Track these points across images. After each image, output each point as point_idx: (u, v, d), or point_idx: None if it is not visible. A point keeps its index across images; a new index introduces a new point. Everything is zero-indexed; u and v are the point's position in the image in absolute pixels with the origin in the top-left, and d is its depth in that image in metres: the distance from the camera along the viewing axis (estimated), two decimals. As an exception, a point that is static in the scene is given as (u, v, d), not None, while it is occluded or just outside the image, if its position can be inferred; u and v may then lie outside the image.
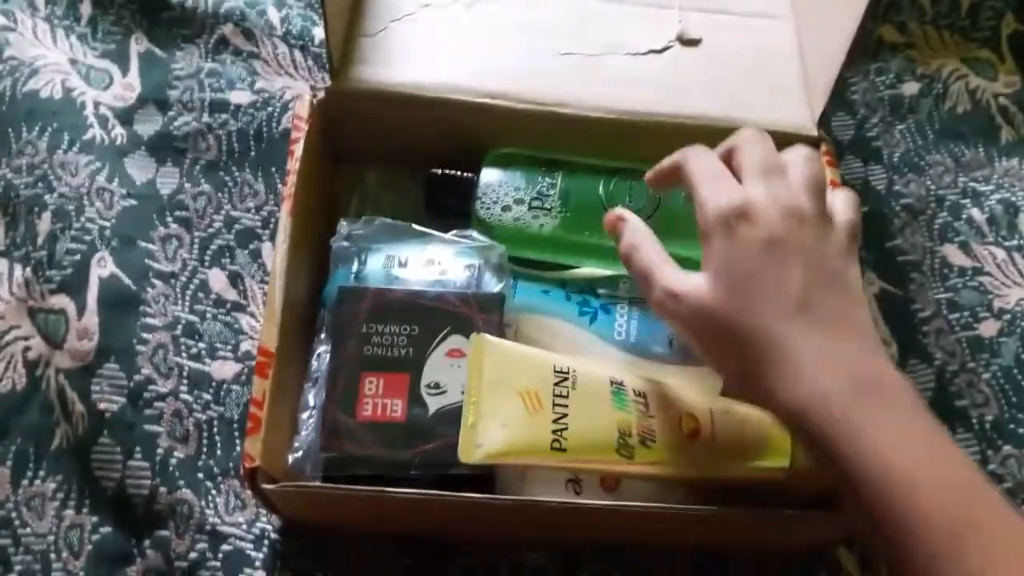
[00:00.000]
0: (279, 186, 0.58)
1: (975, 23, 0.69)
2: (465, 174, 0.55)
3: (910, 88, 0.67)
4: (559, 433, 0.42)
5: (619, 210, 0.45)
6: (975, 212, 0.63)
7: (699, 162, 0.42)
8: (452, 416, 0.45)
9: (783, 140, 0.56)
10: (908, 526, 0.32)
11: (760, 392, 0.37)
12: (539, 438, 0.42)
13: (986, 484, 0.34)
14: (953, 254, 0.61)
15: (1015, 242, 0.62)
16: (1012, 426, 0.56)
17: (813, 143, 0.55)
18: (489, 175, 0.54)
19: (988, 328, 0.59)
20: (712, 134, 0.54)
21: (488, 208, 0.53)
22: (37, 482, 0.50)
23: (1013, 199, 0.63)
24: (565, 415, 0.43)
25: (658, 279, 0.40)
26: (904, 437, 0.34)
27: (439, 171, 0.55)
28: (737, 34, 0.60)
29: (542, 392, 0.43)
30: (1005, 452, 0.55)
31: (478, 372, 0.44)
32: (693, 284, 0.39)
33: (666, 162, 0.44)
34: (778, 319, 0.37)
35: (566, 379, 0.44)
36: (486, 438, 0.42)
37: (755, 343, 0.37)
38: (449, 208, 0.54)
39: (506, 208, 0.53)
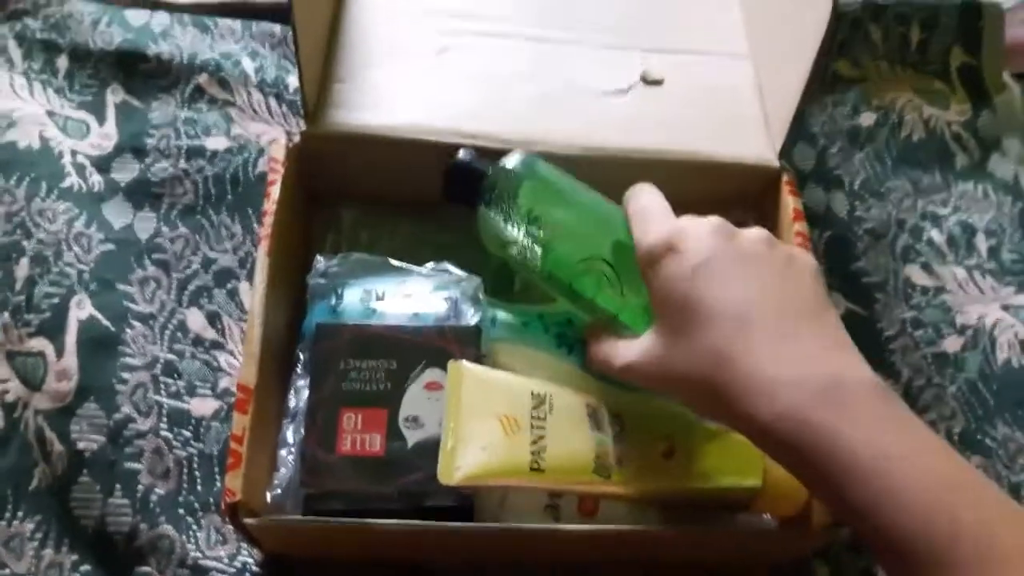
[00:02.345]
0: (256, 227, 0.59)
1: (925, 57, 0.72)
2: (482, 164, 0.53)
3: (867, 119, 0.69)
4: (537, 455, 0.43)
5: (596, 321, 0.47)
6: (935, 234, 0.65)
7: (637, 201, 0.42)
8: (431, 448, 0.46)
9: (747, 172, 0.59)
10: (888, 514, 0.31)
11: (737, 420, 0.36)
12: (518, 459, 0.43)
13: (961, 464, 0.33)
14: (916, 274, 0.63)
15: (974, 261, 0.64)
16: (979, 437, 0.57)
17: (776, 173, 0.57)
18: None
19: (952, 344, 0.60)
20: (677, 168, 0.56)
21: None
22: (15, 522, 0.49)
23: (970, 220, 0.65)
24: (543, 437, 0.44)
25: (615, 362, 0.42)
26: (878, 430, 0.33)
27: (460, 154, 0.53)
28: (698, 74, 0.62)
29: (520, 415, 0.44)
30: (974, 463, 0.56)
31: (456, 398, 0.45)
32: (636, 350, 0.40)
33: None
34: (729, 341, 0.36)
35: (543, 403, 0.45)
36: (465, 460, 0.43)
37: (715, 376, 0.36)
38: (466, 199, 0.52)
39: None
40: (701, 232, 0.38)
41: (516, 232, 0.49)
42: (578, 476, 0.43)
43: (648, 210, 0.41)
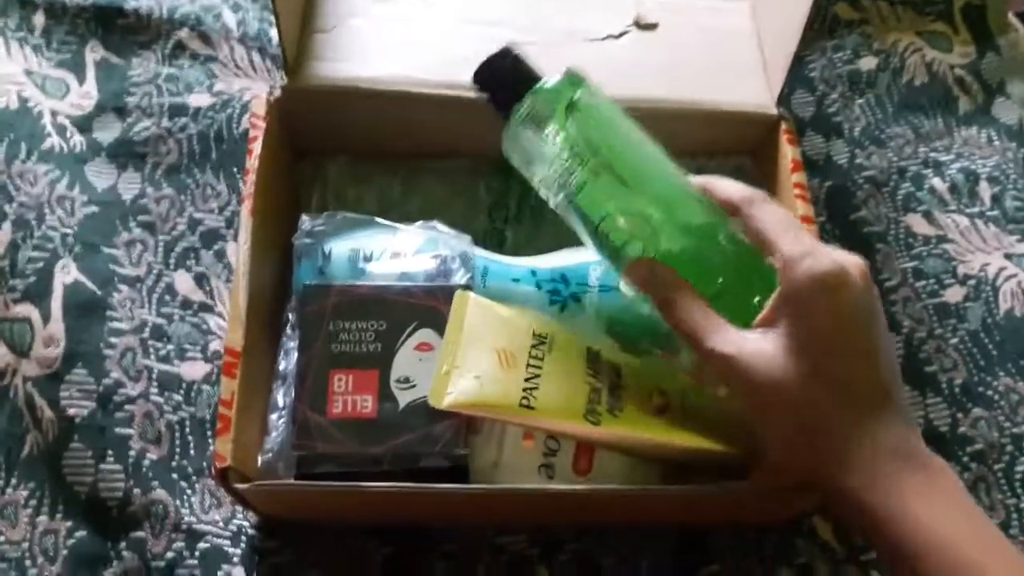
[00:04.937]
0: (241, 186, 0.58)
1: (928, -3, 0.70)
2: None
3: (867, 63, 0.68)
4: (529, 392, 0.43)
5: (645, 260, 0.42)
6: (937, 181, 0.63)
7: (770, 213, 0.40)
8: (422, 410, 0.45)
9: (744, 120, 0.57)
10: None
11: (812, 470, 0.37)
12: (509, 394, 0.43)
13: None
14: (917, 223, 0.62)
15: (977, 209, 0.62)
16: (981, 389, 0.56)
17: (774, 121, 0.56)
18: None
19: (954, 294, 0.59)
20: (673, 117, 0.55)
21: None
22: (9, 490, 0.49)
23: (973, 167, 0.64)
24: (538, 375, 0.44)
25: (706, 336, 0.38)
26: (956, 518, 0.35)
27: (512, 50, 0.47)
28: (693, 17, 0.60)
29: (518, 352, 0.45)
30: (975, 415, 0.55)
31: (459, 326, 0.45)
32: (753, 349, 0.37)
33: (723, 194, 0.42)
34: (854, 406, 0.36)
35: (543, 343, 0.45)
36: (457, 387, 0.43)
37: (828, 428, 0.36)
38: (501, 99, 0.46)
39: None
40: (864, 279, 0.37)
41: (556, 152, 0.44)
42: (568, 419, 0.43)
43: (792, 223, 0.40)
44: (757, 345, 0.37)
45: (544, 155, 0.44)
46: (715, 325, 0.39)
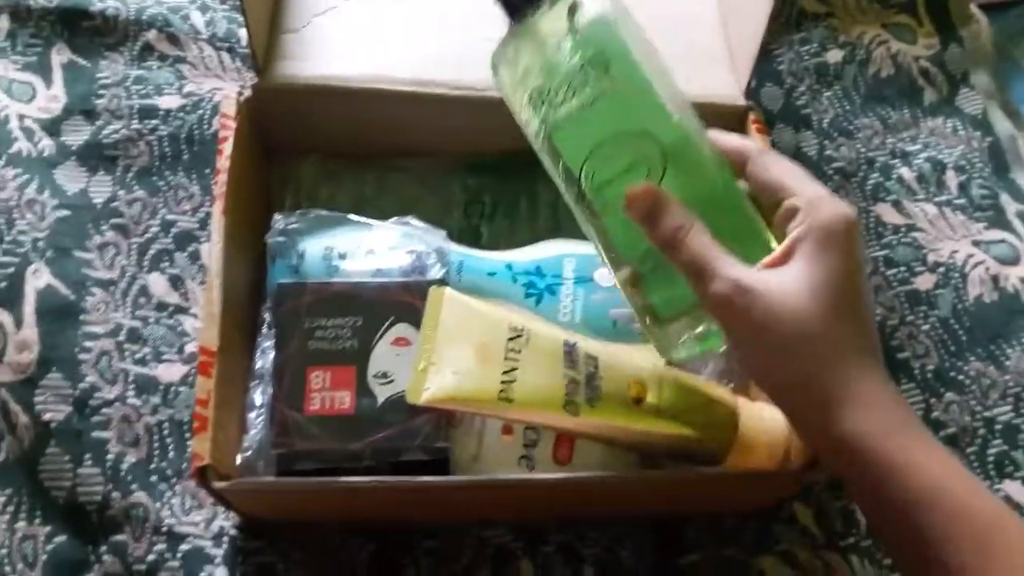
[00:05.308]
0: (213, 187, 0.58)
1: (892, -11, 0.71)
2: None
3: (834, 56, 0.68)
4: (508, 385, 0.43)
5: (647, 185, 0.39)
6: (905, 171, 0.64)
7: (784, 161, 0.40)
8: (401, 404, 0.46)
9: (712, 111, 0.57)
10: (951, 533, 0.34)
11: (816, 416, 0.36)
12: (487, 388, 0.43)
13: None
14: (887, 212, 0.63)
15: (944, 197, 0.63)
16: (953, 374, 0.57)
17: (742, 111, 0.57)
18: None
19: (924, 281, 0.60)
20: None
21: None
22: (-15, 497, 0.49)
23: (940, 156, 0.65)
24: (515, 368, 0.44)
25: (722, 269, 0.36)
26: (957, 469, 0.35)
27: None
28: (659, 8, 0.60)
29: (495, 346, 0.45)
30: (947, 399, 0.56)
31: (434, 322, 0.45)
32: (777, 281, 0.36)
33: (733, 144, 0.41)
34: (863, 352, 0.36)
35: (520, 336, 0.45)
36: (434, 383, 0.43)
37: (835, 368, 0.35)
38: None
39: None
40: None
41: (568, 63, 0.39)
42: (546, 410, 0.43)
43: (806, 174, 0.40)
44: (779, 278, 0.36)
45: (555, 64, 0.39)
46: (731, 260, 0.37)
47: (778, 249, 0.38)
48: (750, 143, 0.42)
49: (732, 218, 0.40)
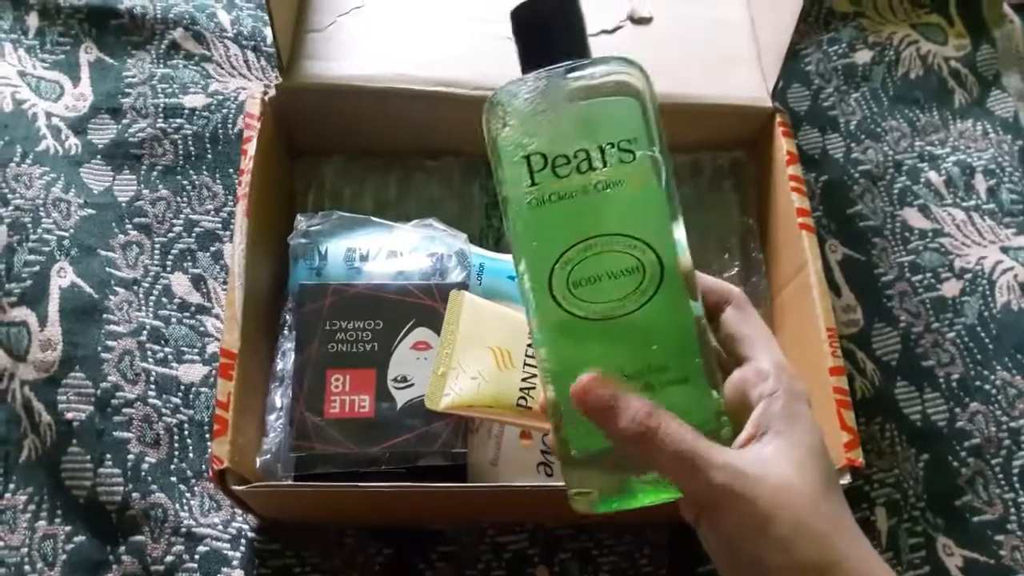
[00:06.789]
0: (236, 187, 0.58)
1: (922, -12, 0.70)
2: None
3: (863, 56, 0.67)
4: (527, 392, 0.43)
5: (593, 375, 0.33)
6: (933, 175, 0.63)
7: (758, 317, 0.37)
8: (420, 409, 0.46)
9: (739, 114, 0.57)
10: None
11: (771, 544, 0.32)
12: (506, 394, 0.44)
13: None
14: (913, 217, 0.62)
15: (973, 202, 0.62)
16: (978, 383, 0.56)
17: (769, 113, 0.56)
18: None
19: (950, 288, 0.59)
20: (669, 114, 0.54)
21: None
22: (8, 495, 0.49)
23: (969, 160, 0.64)
24: (535, 375, 0.44)
25: (715, 456, 0.32)
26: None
27: None
28: (688, 11, 0.60)
29: (515, 351, 0.45)
30: (972, 409, 0.56)
31: (455, 326, 0.46)
32: (766, 459, 0.33)
33: (718, 284, 0.38)
34: (850, 521, 0.34)
35: None
36: (453, 388, 0.44)
37: (839, 516, 0.34)
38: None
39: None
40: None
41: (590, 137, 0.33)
42: None
43: (771, 336, 0.37)
44: (758, 455, 0.33)
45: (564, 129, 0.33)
46: (711, 446, 0.33)
47: (750, 422, 0.34)
48: (736, 289, 0.38)
49: (694, 360, 0.35)
